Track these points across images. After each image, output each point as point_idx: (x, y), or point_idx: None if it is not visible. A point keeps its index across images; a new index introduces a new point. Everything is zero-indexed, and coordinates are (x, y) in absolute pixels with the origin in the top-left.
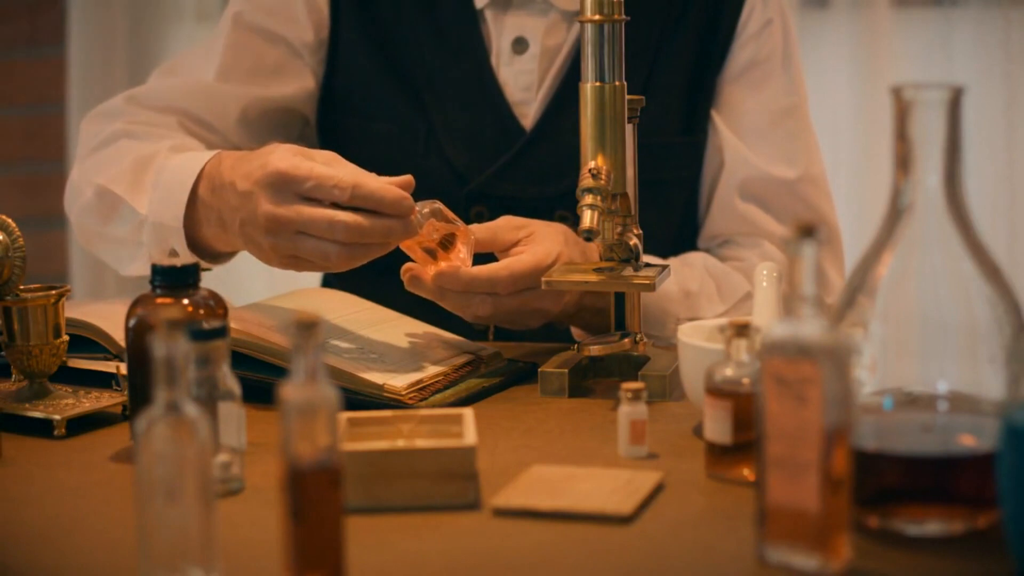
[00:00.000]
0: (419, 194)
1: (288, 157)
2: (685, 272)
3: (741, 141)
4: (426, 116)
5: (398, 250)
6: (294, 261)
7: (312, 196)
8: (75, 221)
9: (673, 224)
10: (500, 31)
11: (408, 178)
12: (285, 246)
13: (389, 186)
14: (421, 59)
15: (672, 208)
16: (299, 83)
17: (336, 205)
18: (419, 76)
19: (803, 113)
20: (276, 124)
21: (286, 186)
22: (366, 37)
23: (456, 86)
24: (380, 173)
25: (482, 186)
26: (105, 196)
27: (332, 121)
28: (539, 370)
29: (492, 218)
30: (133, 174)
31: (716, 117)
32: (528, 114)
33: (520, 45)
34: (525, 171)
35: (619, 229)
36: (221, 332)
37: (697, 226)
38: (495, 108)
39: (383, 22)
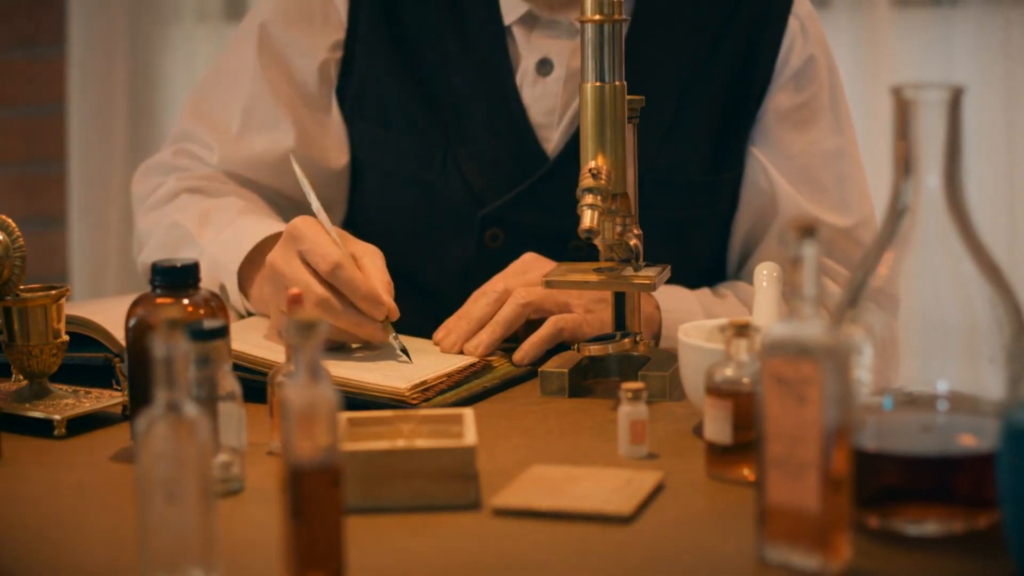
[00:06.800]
0: (435, 212)
1: (308, 218)
2: (714, 300)
3: (791, 185)
4: (444, 131)
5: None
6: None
7: (305, 259)
8: (142, 261)
9: (698, 263)
10: (527, 51)
11: (389, 288)
12: (278, 299)
13: (367, 280)
14: (443, 70)
15: (697, 246)
16: (325, 111)
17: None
18: (439, 88)
19: (853, 152)
20: (310, 160)
21: (292, 241)
22: (385, 40)
23: (478, 104)
24: (395, 185)
25: (498, 210)
26: (174, 229)
27: (347, 124)
28: (539, 370)
29: (507, 242)
30: (200, 216)
31: (760, 156)
32: (551, 139)
33: (545, 67)
34: (543, 200)
35: (619, 229)
36: (221, 332)
37: (723, 265)
38: (517, 131)
39: (404, 26)
